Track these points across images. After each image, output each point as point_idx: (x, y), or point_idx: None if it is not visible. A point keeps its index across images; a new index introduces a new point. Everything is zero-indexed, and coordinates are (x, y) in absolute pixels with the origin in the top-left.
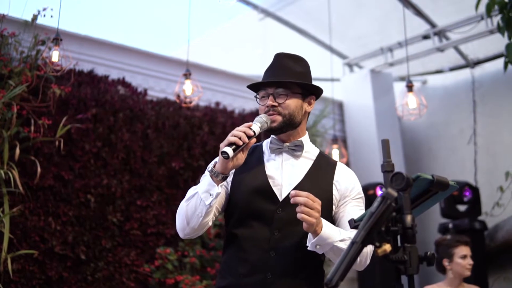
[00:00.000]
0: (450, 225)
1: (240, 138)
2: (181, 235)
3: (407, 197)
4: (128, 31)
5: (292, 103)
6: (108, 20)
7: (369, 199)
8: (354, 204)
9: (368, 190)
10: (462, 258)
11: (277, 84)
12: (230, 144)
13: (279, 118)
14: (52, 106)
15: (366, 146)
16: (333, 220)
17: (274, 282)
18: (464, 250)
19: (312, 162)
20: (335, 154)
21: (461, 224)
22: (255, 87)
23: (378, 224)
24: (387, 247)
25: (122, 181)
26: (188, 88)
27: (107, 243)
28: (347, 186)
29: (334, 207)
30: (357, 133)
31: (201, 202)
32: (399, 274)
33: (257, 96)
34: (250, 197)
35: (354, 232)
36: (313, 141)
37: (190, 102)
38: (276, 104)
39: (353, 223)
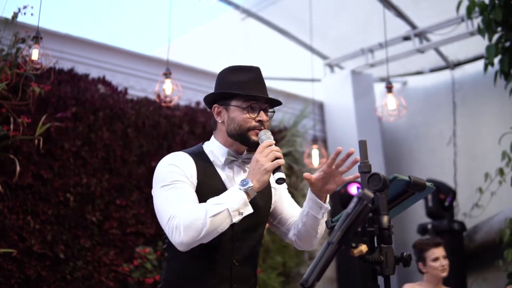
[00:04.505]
0: (429, 226)
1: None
2: (183, 248)
3: (384, 198)
4: (109, 29)
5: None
6: (88, 18)
7: (341, 198)
8: (282, 189)
9: (341, 190)
10: (434, 261)
11: (270, 102)
12: (278, 168)
13: None
14: (31, 105)
15: (347, 146)
16: (271, 211)
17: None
18: (435, 252)
19: None
20: (315, 154)
21: (440, 224)
22: (231, 94)
23: (354, 225)
24: (363, 247)
25: (102, 180)
26: (168, 88)
27: (86, 242)
28: (279, 186)
29: (272, 206)
30: (337, 134)
31: (228, 219)
32: (375, 275)
33: (244, 106)
34: None
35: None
36: (293, 141)
37: (170, 102)
38: (267, 119)
39: (330, 224)
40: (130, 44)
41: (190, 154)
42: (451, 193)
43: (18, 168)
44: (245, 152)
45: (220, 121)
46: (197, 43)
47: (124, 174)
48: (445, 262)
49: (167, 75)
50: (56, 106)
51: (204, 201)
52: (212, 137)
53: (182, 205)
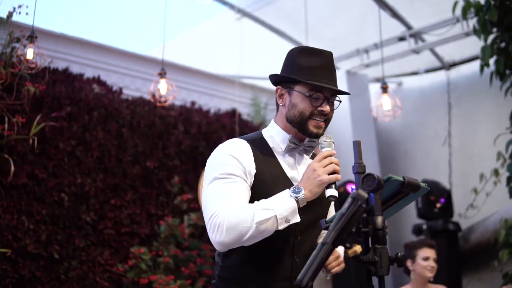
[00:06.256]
0: (424, 226)
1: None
2: (221, 248)
3: (378, 198)
4: (104, 29)
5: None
6: (83, 18)
7: (340, 197)
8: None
9: (339, 188)
10: (424, 260)
11: (337, 92)
12: (335, 183)
13: (323, 125)
14: (26, 104)
15: (342, 146)
16: None
17: None
18: (427, 252)
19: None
20: None
21: (435, 225)
22: (288, 79)
23: (348, 225)
24: (358, 248)
25: (96, 180)
26: (163, 87)
27: (80, 242)
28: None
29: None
30: (332, 134)
31: (274, 226)
32: (370, 275)
33: (307, 94)
34: None
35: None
36: None
37: (165, 101)
38: (329, 110)
39: (324, 224)
40: (125, 44)
41: (248, 140)
42: (445, 194)
43: (12, 167)
44: (306, 140)
45: (281, 104)
46: (192, 43)
47: (119, 174)
48: (434, 264)
49: (162, 75)
50: (51, 106)
51: (262, 189)
52: (272, 121)
53: (228, 203)
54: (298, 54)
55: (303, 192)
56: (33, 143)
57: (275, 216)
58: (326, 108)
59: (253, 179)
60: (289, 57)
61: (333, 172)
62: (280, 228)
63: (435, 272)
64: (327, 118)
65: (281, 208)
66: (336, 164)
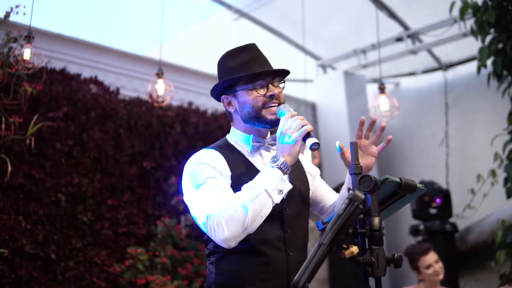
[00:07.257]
0: (421, 227)
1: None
2: (229, 244)
3: (375, 199)
4: (101, 29)
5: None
6: (81, 18)
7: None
8: (318, 178)
9: (338, 189)
10: (427, 268)
11: (275, 73)
12: (308, 135)
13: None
14: (23, 104)
15: None
16: (310, 200)
17: None
18: (426, 260)
19: None
20: (307, 155)
21: (432, 226)
22: (233, 79)
23: (345, 226)
24: (354, 249)
25: (93, 180)
26: (160, 88)
27: (77, 243)
28: (312, 168)
29: (310, 190)
30: (329, 135)
31: (268, 201)
32: (367, 276)
33: (250, 87)
34: None
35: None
36: None
37: (163, 102)
38: (278, 93)
39: (321, 225)
40: (122, 44)
41: (216, 148)
42: (441, 194)
43: (9, 168)
44: (268, 135)
45: (232, 111)
46: (189, 43)
47: (116, 174)
48: (438, 266)
49: (159, 75)
50: (48, 106)
51: (240, 189)
52: (232, 128)
53: (218, 201)
54: (226, 59)
55: (281, 158)
56: (30, 143)
57: (265, 190)
58: (274, 90)
59: (230, 182)
60: (220, 65)
61: (302, 127)
62: (276, 201)
63: (443, 270)
64: (280, 102)
65: (267, 180)
66: (302, 119)
